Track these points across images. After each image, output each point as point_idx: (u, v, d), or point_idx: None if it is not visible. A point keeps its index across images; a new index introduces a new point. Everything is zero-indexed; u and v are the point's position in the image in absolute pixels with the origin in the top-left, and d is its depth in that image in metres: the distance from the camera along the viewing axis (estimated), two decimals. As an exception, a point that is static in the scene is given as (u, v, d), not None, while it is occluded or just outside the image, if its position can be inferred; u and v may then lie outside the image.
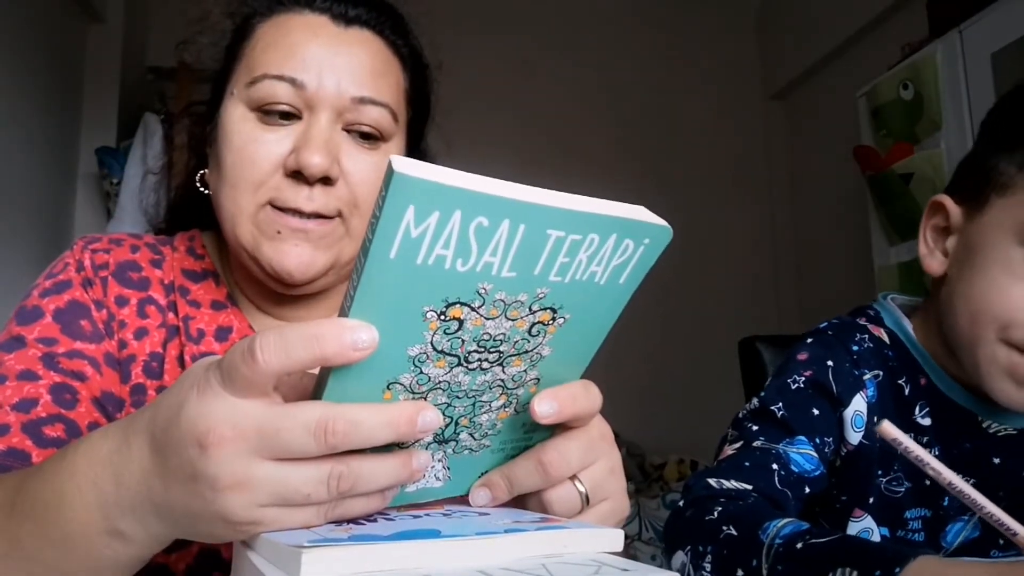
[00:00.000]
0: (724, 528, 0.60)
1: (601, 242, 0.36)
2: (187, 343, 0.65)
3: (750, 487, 0.66)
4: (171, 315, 0.66)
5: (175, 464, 0.35)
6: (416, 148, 0.74)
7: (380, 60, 0.66)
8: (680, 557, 0.62)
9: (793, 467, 0.69)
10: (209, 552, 0.60)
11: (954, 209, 0.72)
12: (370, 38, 0.66)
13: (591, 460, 0.44)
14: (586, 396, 0.42)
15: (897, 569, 0.49)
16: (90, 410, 0.60)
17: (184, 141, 0.74)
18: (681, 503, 0.67)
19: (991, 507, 0.50)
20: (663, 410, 2.86)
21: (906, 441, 0.49)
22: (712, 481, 0.67)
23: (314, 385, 0.37)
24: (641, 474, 2.59)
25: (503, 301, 0.36)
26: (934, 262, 0.73)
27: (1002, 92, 1.84)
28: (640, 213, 0.37)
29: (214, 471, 0.34)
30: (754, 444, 0.70)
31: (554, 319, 0.38)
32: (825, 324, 0.79)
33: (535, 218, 0.33)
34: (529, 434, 0.45)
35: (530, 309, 0.37)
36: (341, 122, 0.63)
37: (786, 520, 0.60)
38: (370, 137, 0.64)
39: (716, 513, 0.62)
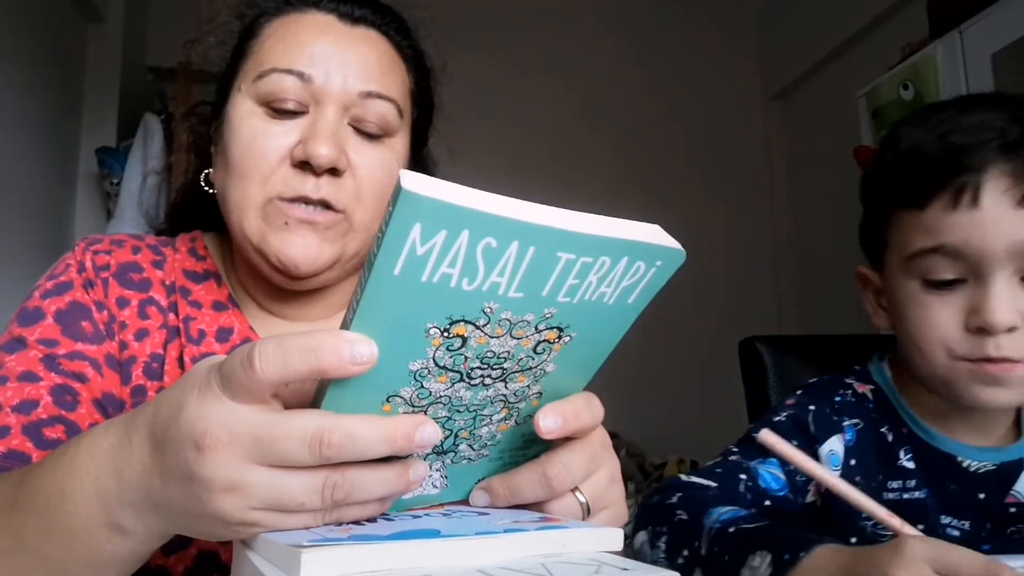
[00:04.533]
0: (677, 513, 0.68)
1: (612, 264, 0.35)
2: (187, 344, 0.65)
3: (715, 485, 0.74)
4: (172, 316, 0.66)
5: (172, 463, 0.35)
6: (419, 152, 0.74)
7: (386, 58, 0.67)
8: (641, 536, 0.70)
9: (760, 481, 0.76)
10: (208, 554, 0.60)
11: (872, 275, 0.84)
12: (376, 37, 0.67)
13: (593, 470, 0.44)
14: (589, 410, 0.42)
15: (802, 553, 0.56)
16: (91, 411, 0.60)
17: (187, 141, 0.74)
18: (650, 491, 0.76)
19: (864, 499, 0.56)
20: (663, 410, 2.85)
21: (779, 444, 0.57)
22: (683, 476, 0.76)
23: (315, 392, 0.37)
24: (641, 474, 2.59)
25: (509, 320, 0.35)
26: (880, 319, 0.83)
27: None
28: (654, 235, 0.36)
29: (209, 474, 0.34)
30: (730, 458, 0.79)
31: (560, 338, 0.38)
32: (815, 380, 0.88)
33: (545, 240, 0.32)
34: (528, 444, 0.44)
35: (536, 328, 0.36)
36: (347, 117, 0.64)
37: (730, 507, 0.66)
38: (375, 134, 0.65)
39: (675, 499, 0.70)
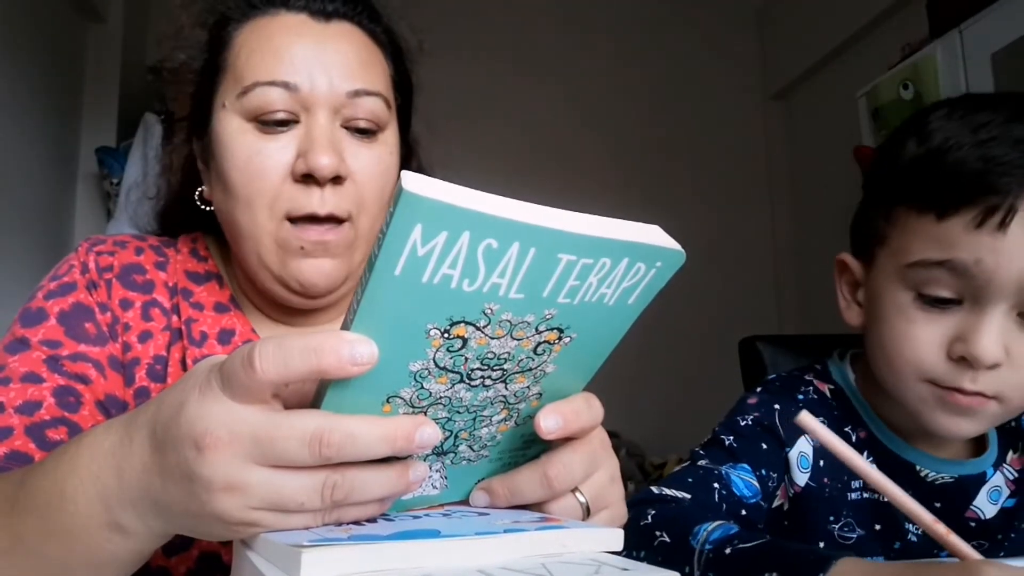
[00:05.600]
0: (657, 534, 0.62)
1: (613, 266, 0.35)
2: (189, 346, 0.65)
3: (689, 496, 0.69)
4: (175, 318, 0.66)
5: (172, 462, 0.35)
6: (405, 134, 0.74)
7: (365, 50, 0.66)
8: None
9: (733, 488, 0.72)
10: (210, 555, 0.60)
11: (855, 264, 0.77)
12: (351, 30, 0.66)
13: (593, 470, 0.44)
14: (589, 410, 0.42)
15: (820, 574, 0.50)
16: (93, 413, 0.60)
17: (174, 160, 0.72)
18: None
19: (908, 500, 0.51)
20: (663, 410, 2.85)
21: (821, 430, 0.52)
22: (653, 488, 0.70)
23: (315, 392, 0.37)
24: (641, 474, 2.59)
25: (509, 321, 0.35)
26: (852, 314, 0.78)
27: (1002, 92, 1.85)
28: (654, 236, 0.37)
29: (208, 473, 0.34)
30: (699, 463, 0.74)
31: (560, 339, 0.38)
32: (773, 376, 0.84)
33: (546, 242, 0.33)
34: (528, 444, 0.45)
35: (536, 330, 0.37)
36: (339, 119, 0.63)
37: (716, 524, 0.61)
38: (368, 131, 0.64)
39: (650, 517, 0.65)
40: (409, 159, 0.76)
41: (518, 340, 0.36)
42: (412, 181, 0.30)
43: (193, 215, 0.72)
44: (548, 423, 0.40)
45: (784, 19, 3.09)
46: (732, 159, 3.18)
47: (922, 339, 0.68)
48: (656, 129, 3.13)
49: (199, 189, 0.69)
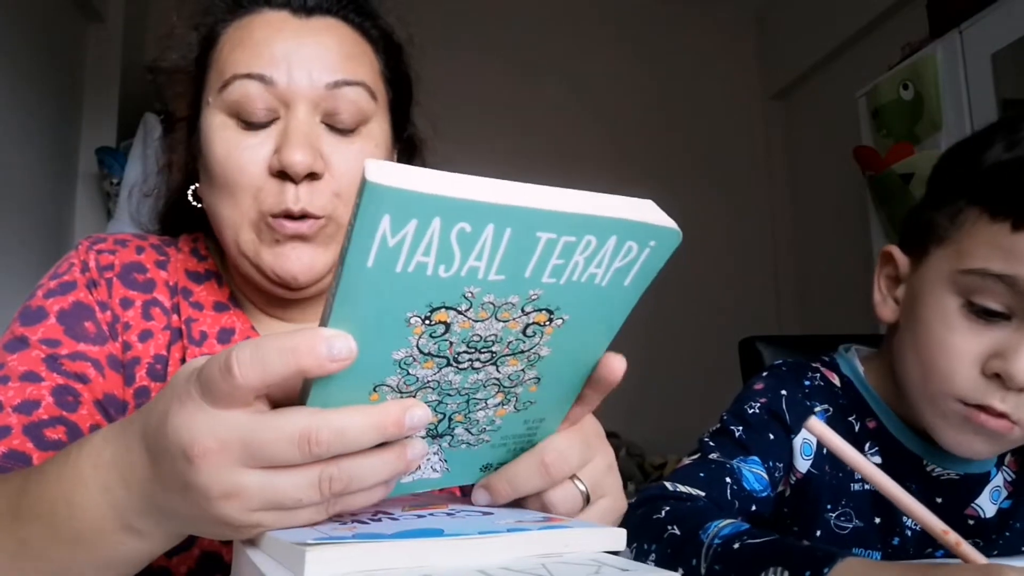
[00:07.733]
0: (668, 527, 0.62)
1: (599, 244, 0.34)
2: (189, 346, 0.64)
3: (702, 494, 0.69)
4: (175, 317, 0.66)
5: (168, 472, 0.35)
6: (402, 131, 0.73)
7: (348, 43, 0.65)
8: (625, 554, 0.64)
9: (744, 483, 0.72)
10: (211, 554, 0.60)
11: (902, 259, 0.75)
12: (334, 24, 0.65)
13: (589, 458, 0.45)
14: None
15: (825, 569, 0.50)
16: (92, 412, 0.60)
17: (173, 159, 0.73)
18: (633, 501, 0.68)
19: (921, 509, 0.51)
20: (663, 410, 2.85)
21: (830, 436, 0.52)
22: (667, 484, 0.70)
23: (301, 388, 0.37)
24: (641, 474, 2.59)
25: (492, 303, 0.35)
26: (886, 309, 0.76)
27: (1002, 92, 1.85)
28: (646, 213, 0.35)
29: (203, 482, 0.34)
30: (710, 456, 0.74)
31: (551, 320, 0.37)
32: (780, 361, 0.83)
33: (522, 221, 0.32)
34: (532, 430, 0.44)
35: (523, 311, 0.36)
36: (319, 113, 0.62)
37: (727, 521, 0.61)
38: (350, 127, 0.63)
39: (663, 512, 0.64)
40: (412, 158, 0.76)
41: (504, 322, 0.36)
42: (375, 171, 0.29)
43: (193, 215, 0.72)
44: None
45: (784, 19, 3.10)
46: (732, 159, 3.19)
47: (959, 350, 0.66)
48: (656, 129, 3.13)
49: (192, 186, 0.69)
